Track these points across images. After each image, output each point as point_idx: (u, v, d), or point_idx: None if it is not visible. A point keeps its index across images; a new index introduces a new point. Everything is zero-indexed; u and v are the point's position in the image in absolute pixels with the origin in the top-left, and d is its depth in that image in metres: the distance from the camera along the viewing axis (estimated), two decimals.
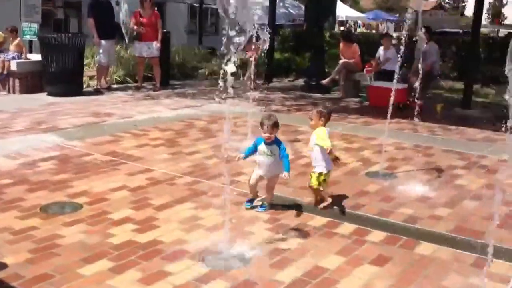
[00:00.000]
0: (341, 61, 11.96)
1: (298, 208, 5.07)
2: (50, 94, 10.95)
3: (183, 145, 7.39)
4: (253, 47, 7.76)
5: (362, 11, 54.50)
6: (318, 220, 4.79)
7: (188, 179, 5.91)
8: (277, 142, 4.78)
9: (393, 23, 57.67)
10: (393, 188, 5.74)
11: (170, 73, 13.39)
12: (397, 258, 4.09)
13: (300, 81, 14.35)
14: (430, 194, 5.58)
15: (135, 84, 12.58)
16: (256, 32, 4.06)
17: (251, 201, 5.09)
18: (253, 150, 4.85)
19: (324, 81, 12.32)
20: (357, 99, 11.86)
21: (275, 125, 4.73)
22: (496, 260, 4.07)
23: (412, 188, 5.72)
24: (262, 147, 4.78)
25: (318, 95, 12.24)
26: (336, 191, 5.58)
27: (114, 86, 12.34)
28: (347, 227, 4.65)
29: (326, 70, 13.44)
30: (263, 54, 11.30)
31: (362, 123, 9.35)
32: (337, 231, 4.58)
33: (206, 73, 14.77)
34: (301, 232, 4.49)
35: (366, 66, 11.80)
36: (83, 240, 4.27)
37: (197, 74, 14.83)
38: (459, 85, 14.58)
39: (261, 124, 4.74)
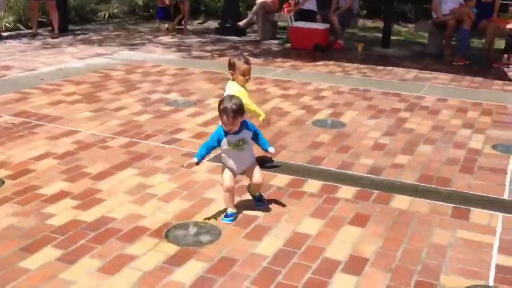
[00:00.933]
0: (258, 1, 11.37)
1: None
2: None
3: (105, 100, 6.60)
4: None
5: None
6: (280, 179, 4.39)
7: (122, 140, 5.23)
8: (245, 125, 3.67)
9: None
10: (345, 137, 5.45)
11: (67, 18, 12.09)
12: (376, 215, 3.81)
13: (212, 24, 13.63)
14: (384, 140, 5.35)
15: (29, 31, 11.24)
16: None
17: (231, 215, 3.72)
18: (215, 147, 3.68)
19: (241, 23, 11.71)
20: (276, 41, 11.42)
21: (239, 112, 3.55)
22: (473, 209, 3.94)
23: (365, 136, 5.47)
24: (230, 138, 3.60)
25: (235, 38, 11.63)
26: (287, 143, 5.20)
27: (4, 34, 10.92)
28: (313, 185, 4.30)
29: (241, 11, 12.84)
30: None
31: (291, 67, 8.95)
32: (303, 189, 4.22)
33: (106, 16, 13.60)
34: (267, 194, 4.07)
35: (285, 6, 11.31)
36: (16, 225, 3.57)
37: (97, 18, 13.60)
38: (370, 23, 14.65)
39: (221, 112, 3.55)
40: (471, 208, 3.94)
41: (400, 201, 4.04)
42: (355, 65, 9.16)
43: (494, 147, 5.24)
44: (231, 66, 4.36)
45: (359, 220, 3.73)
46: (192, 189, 4.19)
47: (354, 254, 3.31)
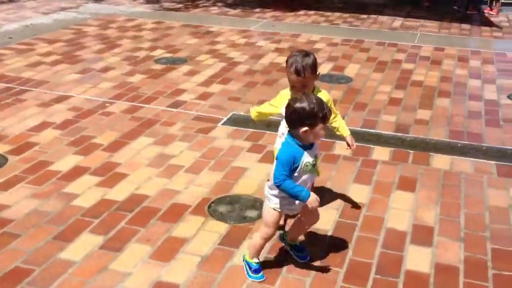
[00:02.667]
0: None
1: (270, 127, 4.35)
2: None
3: (88, 60, 6.08)
4: None
5: None
6: None
7: (122, 105, 4.82)
8: None
9: None
10: (356, 92, 5.22)
11: None
12: (422, 178, 3.64)
13: None
14: (398, 95, 5.16)
15: None
16: None
17: (259, 268, 2.66)
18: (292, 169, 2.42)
19: None
20: None
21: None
22: None
23: (376, 90, 5.25)
24: (307, 158, 2.43)
25: None
26: None
27: None
28: (342, 146, 4.06)
29: None
30: None
31: (273, 18, 8.55)
32: (335, 152, 3.99)
33: None
34: None
35: None
36: (39, 209, 3.19)
37: None
38: None
39: (321, 116, 2.37)
40: None
41: (440, 161, 3.88)
42: (338, 14, 8.86)
43: (509, 97, 5.15)
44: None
45: (407, 184, 3.55)
46: (218, 158, 3.88)
47: (416, 223, 3.14)
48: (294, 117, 2.38)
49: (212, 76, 5.62)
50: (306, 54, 2.85)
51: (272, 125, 4.40)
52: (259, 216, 3.11)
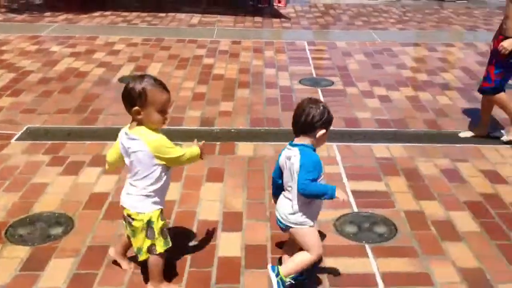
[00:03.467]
0: None
1: (70, 137, 4.11)
2: None
3: None
4: None
5: None
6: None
7: None
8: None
9: None
10: None
11: None
12: (229, 168, 3.73)
13: None
14: (201, 89, 5.25)
15: None
16: None
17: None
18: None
19: None
20: None
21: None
22: None
23: (180, 87, 5.29)
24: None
25: None
26: (103, 106, 4.75)
27: None
28: None
29: None
30: None
31: (66, 21, 8.11)
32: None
33: None
34: None
35: None
36: None
37: None
38: None
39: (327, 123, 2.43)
40: None
41: (245, 149, 4.03)
42: (136, 13, 8.74)
43: (301, 82, 5.55)
44: (137, 98, 2.29)
45: (215, 176, 3.62)
46: (14, 176, 3.55)
47: (226, 210, 3.21)
48: (313, 120, 2.36)
49: (0, 89, 5.15)
50: None
51: (73, 134, 4.18)
52: (64, 232, 2.93)
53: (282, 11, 9.43)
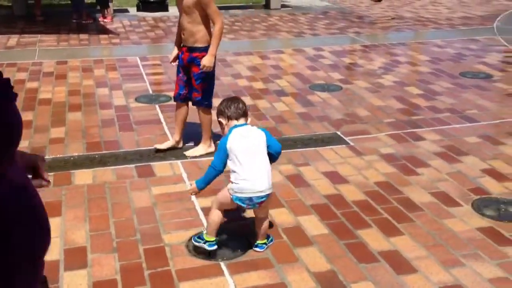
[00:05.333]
0: None
1: None
2: None
3: None
4: None
5: None
6: None
7: None
8: None
9: None
10: None
11: None
12: (67, 199, 3.42)
13: None
14: (27, 117, 4.78)
15: None
16: None
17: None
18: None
19: None
20: None
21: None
22: (154, 163, 3.95)
23: None
24: None
25: None
26: None
27: None
28: None
29: None
30: None
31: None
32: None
33: None
34: None
35: None
36: None
37: None
38: None
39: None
40: (152, 163, 3.94)
41: (83, 176, 3.74)
42: (74, 34, 7.87)
43: (137, 99, 5.35)
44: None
45: (52, 210, 3.28)
46: None
47: (68, 247, 2.93)
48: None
49: None
50: None
51: None
52: None
53: (109, 26, 9.08)
